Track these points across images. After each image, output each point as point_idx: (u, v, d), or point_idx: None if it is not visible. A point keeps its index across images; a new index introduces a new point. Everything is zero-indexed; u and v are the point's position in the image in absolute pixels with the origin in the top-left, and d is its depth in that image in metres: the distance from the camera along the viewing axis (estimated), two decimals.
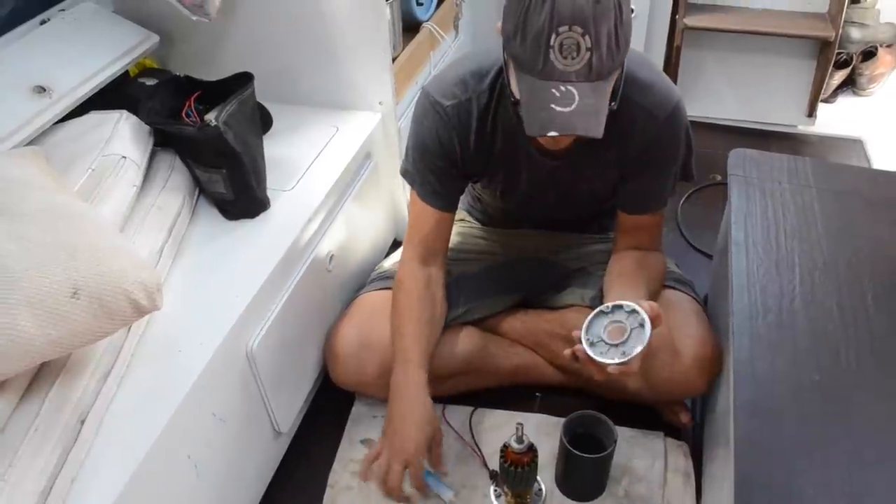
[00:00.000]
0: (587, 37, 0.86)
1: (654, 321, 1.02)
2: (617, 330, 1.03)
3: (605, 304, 1.06)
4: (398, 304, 1.26)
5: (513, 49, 0.91)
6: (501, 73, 1.12)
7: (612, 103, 0.94)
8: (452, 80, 1.15)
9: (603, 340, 1.03)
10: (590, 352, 1.02)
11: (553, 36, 0.86)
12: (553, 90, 0.89)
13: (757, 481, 0.84)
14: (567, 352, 1.07)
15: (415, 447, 1.14)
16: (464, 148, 1.18)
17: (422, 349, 1.22)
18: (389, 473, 1.12)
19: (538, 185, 1.23)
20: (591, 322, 1.06)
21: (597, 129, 0.91)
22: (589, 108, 0.90)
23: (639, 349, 0.99)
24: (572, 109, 0.89)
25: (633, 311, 1.03)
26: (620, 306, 1.04)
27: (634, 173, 1.18)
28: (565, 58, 0.87)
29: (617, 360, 1.00)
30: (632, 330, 1.02)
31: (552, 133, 0.91)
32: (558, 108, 0.89)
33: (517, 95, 0.95)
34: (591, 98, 0.89)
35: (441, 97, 1.15)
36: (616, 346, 1.02)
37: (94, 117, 1.24)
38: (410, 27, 1.77)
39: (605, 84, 0.91)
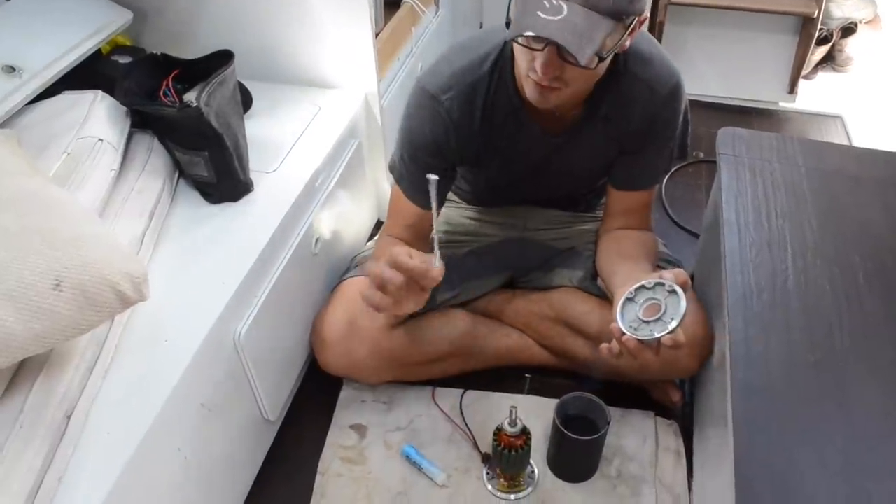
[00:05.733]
0: None
1: (683, 287, 0.97)
2: (651, 308, 0.99)
3: (629, 290, 1.00)
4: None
5: None
6: (500, 57, 1.10)
7: (601, 63, 0.93)
8: (449, 71, 1.11)
9: (641, 321, 0.98)
10: (638, 336, 0.96)
11: None
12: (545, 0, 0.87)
13: (756, 461, 0.84)
14: (608, 347, 0.98)
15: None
16: (461, 137, 1.14)
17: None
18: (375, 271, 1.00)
19: (537, 163, 1.21)
20: (622, 312, 1.00)
21: (577, 49, 0.87)
22: (574, 28, 0.87)
23: (682, 310, 0.95)
24: (557, 20, 0.86)
25: (658, 285, 0.98)
26: (643, 286, 0.99)
27: (633, 148, 1.17)
28: None
29: (663, 333, 0.95)
30: (666, 302, 0.97)
31: (528, 32, 0.88)
32: (543, 15, 0.87)
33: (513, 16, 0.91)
34: (581, 20, 0.87)
35: (438, 90, 1.11)
36: (656, 321, 0.97)
37: (67, 98, 1.19)
38: (391, 2, 1.73)
39: (599, 19, 0.88)
